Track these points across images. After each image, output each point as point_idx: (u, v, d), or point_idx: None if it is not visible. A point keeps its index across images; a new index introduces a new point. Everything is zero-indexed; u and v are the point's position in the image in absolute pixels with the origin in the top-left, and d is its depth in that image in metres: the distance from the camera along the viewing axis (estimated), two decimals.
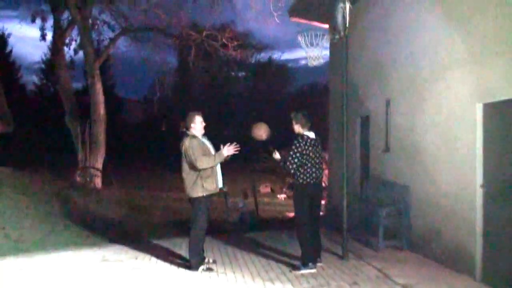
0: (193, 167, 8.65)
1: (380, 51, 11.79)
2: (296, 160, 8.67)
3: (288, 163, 8.75)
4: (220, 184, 8.98)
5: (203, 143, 8.85)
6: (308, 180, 8.77)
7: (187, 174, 8.73)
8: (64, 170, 21.34)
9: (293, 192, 9.24)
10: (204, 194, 8.67)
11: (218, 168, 8.98)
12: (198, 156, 8.57)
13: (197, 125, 8.91)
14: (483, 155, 8.02)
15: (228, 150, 8.80)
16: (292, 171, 8.73)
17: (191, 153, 8.58)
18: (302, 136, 8.82)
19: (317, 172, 8.85)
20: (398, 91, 10.91)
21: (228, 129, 39.92)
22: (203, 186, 8.65)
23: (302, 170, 8.75)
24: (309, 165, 8.74)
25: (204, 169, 8.63)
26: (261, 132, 9.01)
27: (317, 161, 8.86)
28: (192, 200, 8.75)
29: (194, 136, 8.82)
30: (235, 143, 8.87)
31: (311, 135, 8.89)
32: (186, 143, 8.71)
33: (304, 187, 8.81)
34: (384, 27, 11.55)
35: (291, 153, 8.71)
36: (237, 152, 8.87)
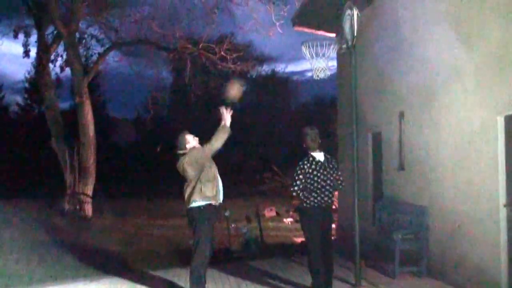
0: (194, 178, 8.68)
1: (391, 61, 11.83)
2: (298, 183, 8.70)
3: (292, 185, 8.80)
4: (221, 197, 8.98)
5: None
6: (312, 204, 8.74)
7: (187, 186, 8.78)
8: (52, 197, 21.35)
9: (299, 217, 9.26)
10: (203, 203, 8.64)
11: (219, 181, 9.01)
12: (204, 146, 8.73)
13: (192, 143, 9.03)
14: (506, 172, 8.03)
15: (227, 116, 8.91)
16: (294, 193, 8.76)
17: (200, 153, 8.73)
18: (308, 157, 8.85)
19: (323, 195, 8.80)
20: (412, 104, 10.94)
21: (228, 148, 39.91)
22: (201, 190, 8.64)
23: (306, 194, 8.74)
24: (313, 188, 8.72)
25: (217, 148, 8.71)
26: (234, 91, 9.10)
27: (324, 184, 8.79)
28: (191, 215, 8.73)
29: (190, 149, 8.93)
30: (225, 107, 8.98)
31: (318, 156, 8.87)
32: (186, 158, 8.77)
33: (307, 210, 8.80)
34: (396, 35, 11.60)
35: (294, 174, 8.76)
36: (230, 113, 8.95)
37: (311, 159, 8.80)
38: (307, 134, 8.97)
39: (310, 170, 8.69)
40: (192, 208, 8.70)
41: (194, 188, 8.68)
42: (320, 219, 8.83)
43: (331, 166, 8.92)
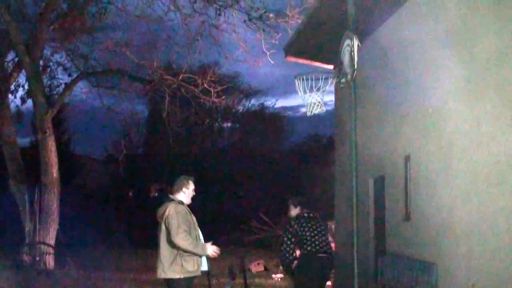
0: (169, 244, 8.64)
1: (397, 96, 11.86)
2: (288, 243, 9.34)
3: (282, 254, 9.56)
4: (205, 266, 8.96)
5: (190, 213, 8.90)
6: (309, 249, 9.01)
7: (166, 249, 8.70)
8: (8, 246, 21.13)
9: (297, 267, 9.49)
10: (182, 276, 8.62)
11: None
12: (181, 228, 8.57)
13: (189, 192, 9.07)
14: None
15: (213, 250, 9.00)
16: (286, 260, 9.44)
17: (175, 222, 8.57)
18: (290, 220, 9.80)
19: (316, 242, 9.06)
20: (420, 145, 10.94)
21: (210, 193, 39.78)
22: (182, 266, 8.61)
23: (299, 242, 9.09)
24: (303, 236, 9.06)
25: (180, 248, 8.61)
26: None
27: (315, 232, 9.38)
28: (169, 283, 8.70)
29: (181, 203, 8.86)
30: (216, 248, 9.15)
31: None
32: (171, 209, 8.70)
33: (304, 258, 9.08)
34: (402, 67, 11.64)
35: (282, 242, 9.49)
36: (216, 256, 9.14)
37: (294, 220, 9.61)
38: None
39: (296, 226, 9.20)
40: (170, 280, 8.67)
41: (174, 260, 8.64)
42: (318, 268, 8.99)
43: (316, 220, 9.61)
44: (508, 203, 8.21)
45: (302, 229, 10.63)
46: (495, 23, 8.55)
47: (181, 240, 8.51)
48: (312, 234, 10.51)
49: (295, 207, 11.19)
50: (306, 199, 11.53)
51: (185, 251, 8.62)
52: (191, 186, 9.12)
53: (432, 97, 10.44)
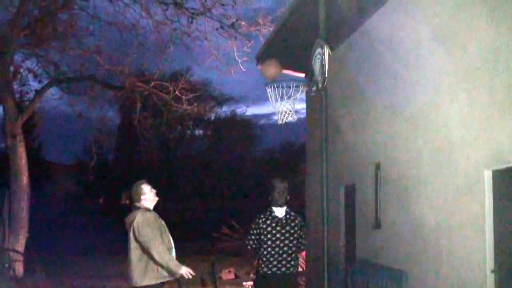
0: (145, 249, 8.50)
1: (367, 105, 11.89)
2: (252, 237, 8.73)
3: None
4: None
5: (159, 218, 8.75)
6: (269, 269, 8.66)
7: (137, 257, 8.54)
8: None
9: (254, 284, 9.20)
10: (159, 282, 8.48)
11: (173, 250, 8.85)
12: (157, 240, 8.41)
13: (148, 195, 8.86)
14: (494, 233, 8.01)
15: (188, 271, 8.59)
16: (249, 247, 8.75)
17: (148, 232, 8.41)
18: (266, 211, 8.83)
19: (281, 259, 8.70)
20: (389, 154, 10.97)
21: (182, 200, 39.64)
22: (158, 271, 8.47)
23: (261, 256, 8.70)
24: (267, 247, 8.65)
25: (154, 259, 8.44)
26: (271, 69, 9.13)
27: (282, 244, 8.67)
28: None
29: (148, 210, 8.72)
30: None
31: (278, 211, 8.81)
32: (139, 218, 8.55)
33: (262, 278, 8.74)
34: (373, 76, 11.67)
35: (249, 228, 8.75)
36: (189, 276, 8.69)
37: (268, 213, 8.77)
38: (275, 187, 8.92)
39: (265, 226, 8.65)
40: (143, 285, 8.50)
41: (147, 266, 8.48)
42: None
43: (292, 224, 8.84)
44: (476, 211, 8.25)
45: (264, 233, 8.70)
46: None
47: (158, 254, 8.28)
48: (274, 245, 8.66)
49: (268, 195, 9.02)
50: (286, 190, 8.99)
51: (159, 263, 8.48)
52: (146, 189, 8.85)
53: (403, 106, 10.48)
